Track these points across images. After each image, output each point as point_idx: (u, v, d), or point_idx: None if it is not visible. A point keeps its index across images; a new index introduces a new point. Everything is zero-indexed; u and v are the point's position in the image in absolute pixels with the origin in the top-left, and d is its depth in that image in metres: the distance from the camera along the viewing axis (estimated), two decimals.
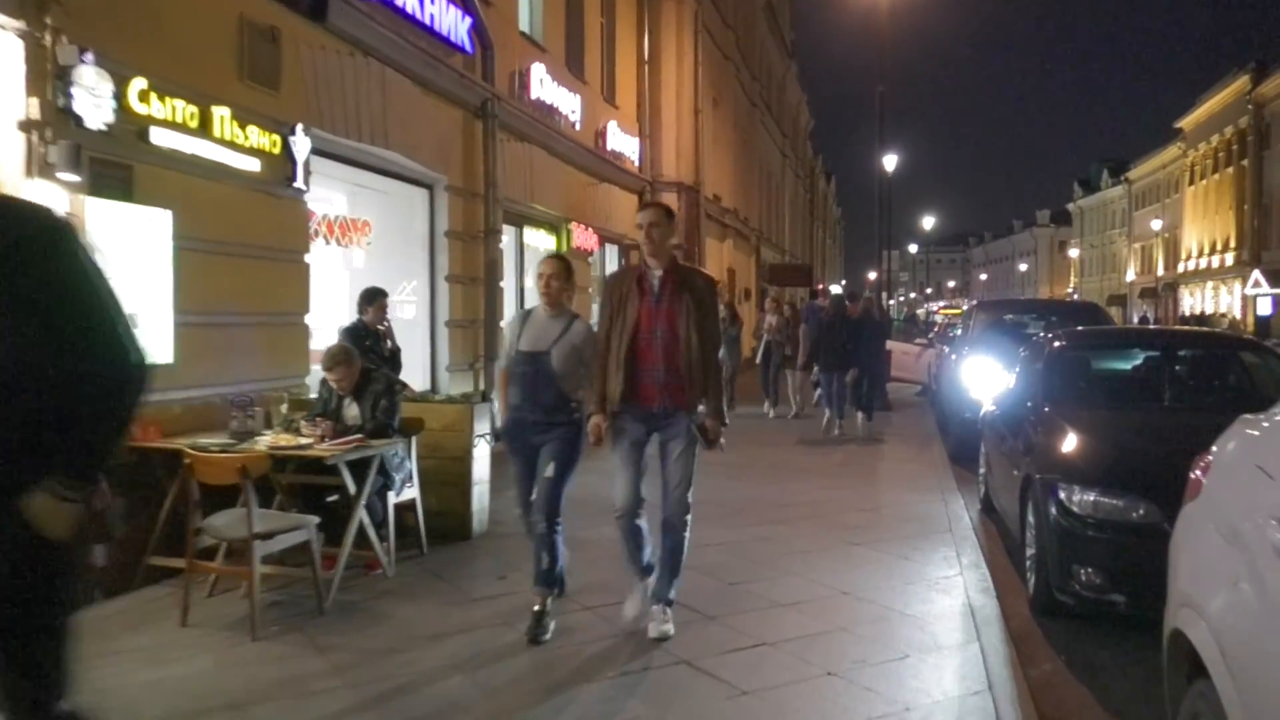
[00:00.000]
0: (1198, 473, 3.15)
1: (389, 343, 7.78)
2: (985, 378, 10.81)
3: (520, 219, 12.44)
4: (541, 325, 5.12)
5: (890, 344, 19.10)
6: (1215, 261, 57.49)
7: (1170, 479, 5.13)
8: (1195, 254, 61.45)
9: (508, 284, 12.49)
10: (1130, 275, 75.05)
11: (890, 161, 32.20)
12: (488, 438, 7.16)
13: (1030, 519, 5.70)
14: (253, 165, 6.79)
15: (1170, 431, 5.68)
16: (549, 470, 4.97)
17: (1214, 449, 3.12)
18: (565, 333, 5.05)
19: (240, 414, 5.95)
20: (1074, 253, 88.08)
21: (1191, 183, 62.19)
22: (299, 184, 7.37)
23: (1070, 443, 5.65)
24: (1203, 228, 60.20)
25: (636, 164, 17.18)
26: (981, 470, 8.72)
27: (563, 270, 5.17)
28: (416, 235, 10.02)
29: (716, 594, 5.81)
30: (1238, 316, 52.45)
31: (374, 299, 7.69)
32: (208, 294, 6.37)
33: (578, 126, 13.73)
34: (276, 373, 7.04)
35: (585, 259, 14.64)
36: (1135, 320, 62.31)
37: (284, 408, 6.29)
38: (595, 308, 15.55)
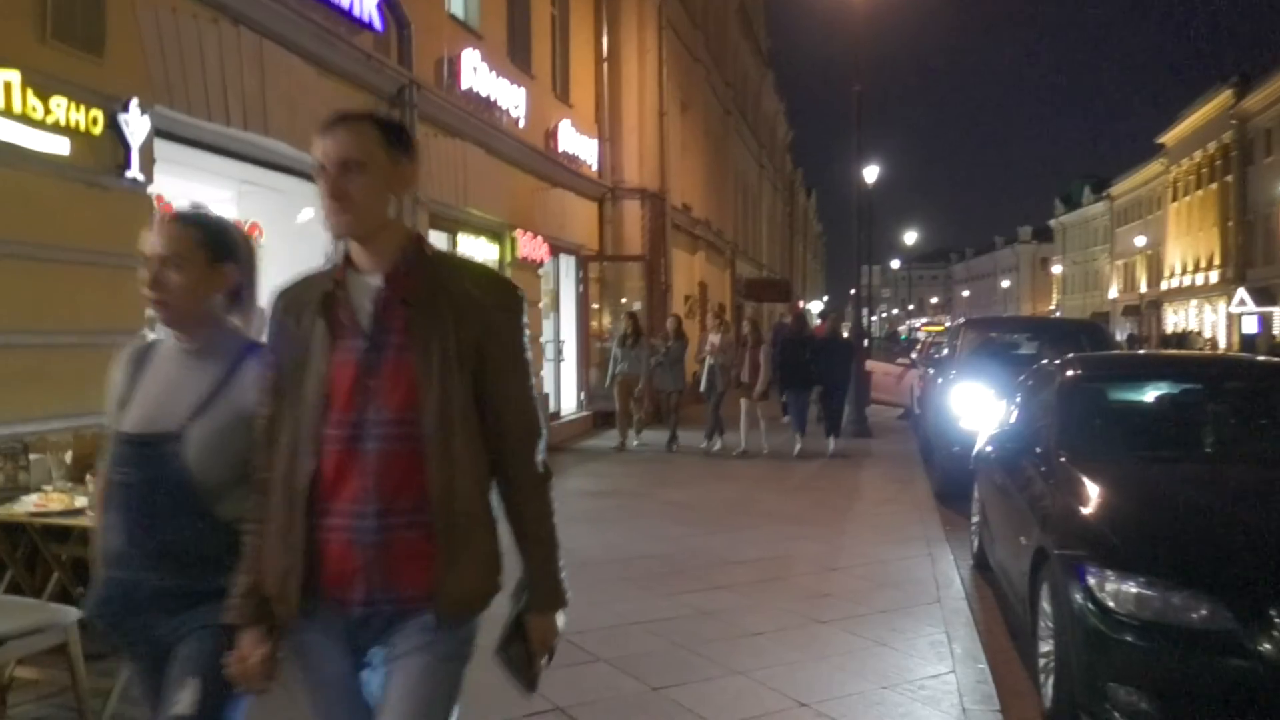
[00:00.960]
0: None
1: None
2: (977, 406, 9.47)
3: (453, 225, 11.05)
4: (166, 377, 2.34)
5: (870, 364, 17.82)
6: (1199, 279, 56.72)
7: (1242, 562, 3.86)
8: (1179, 271, 60.73)
9: None
10: (1113, 293, 74.41)
11: (870, 173, 31.02)
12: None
13: (1045, 606, 4.32)
14: (59, 147, 5.38)
15: (1229, 492, 4.33)
16: (184, 705, 2.15)
17: None
18: (219, 392, 2.29)
19: (7, 464, 4.52)
20: (1056, 269, 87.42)
21: (1174, 199, 61.53)
22: (135, 173, 5.96)
23: (1098, 508, 4.29)
24: (1186, 245, 59.50)
25: (595, 168, 15.83)
26: (974, 518, 7.36)
27: (188, 241, 2.30)
28: (318, 241, 8.59)
29: (634, 703, 4.40)
30: (1218, 336, 51.70)
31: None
32: None
33: (522, 124, 12.36)
34: (85, 408, 5.59)
35: (535, 271, 13.25)
36: (1120, 338, 61.48)
37: (68, 456, 4.83)
38: (549, 325, 14.17)
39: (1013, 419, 6.58)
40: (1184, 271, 59.78)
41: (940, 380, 11.28)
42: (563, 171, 14.35)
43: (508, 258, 12.39)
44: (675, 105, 19.40)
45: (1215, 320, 54.13)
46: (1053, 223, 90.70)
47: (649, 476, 11.11)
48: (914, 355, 20.23)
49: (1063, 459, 4.92)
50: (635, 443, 12.97)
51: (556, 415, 14.01)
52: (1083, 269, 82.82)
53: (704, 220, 22.84)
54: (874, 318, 43.77)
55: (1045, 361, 6.71)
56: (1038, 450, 5.25)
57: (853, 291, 23.56)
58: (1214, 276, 54.05)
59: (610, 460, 12.10)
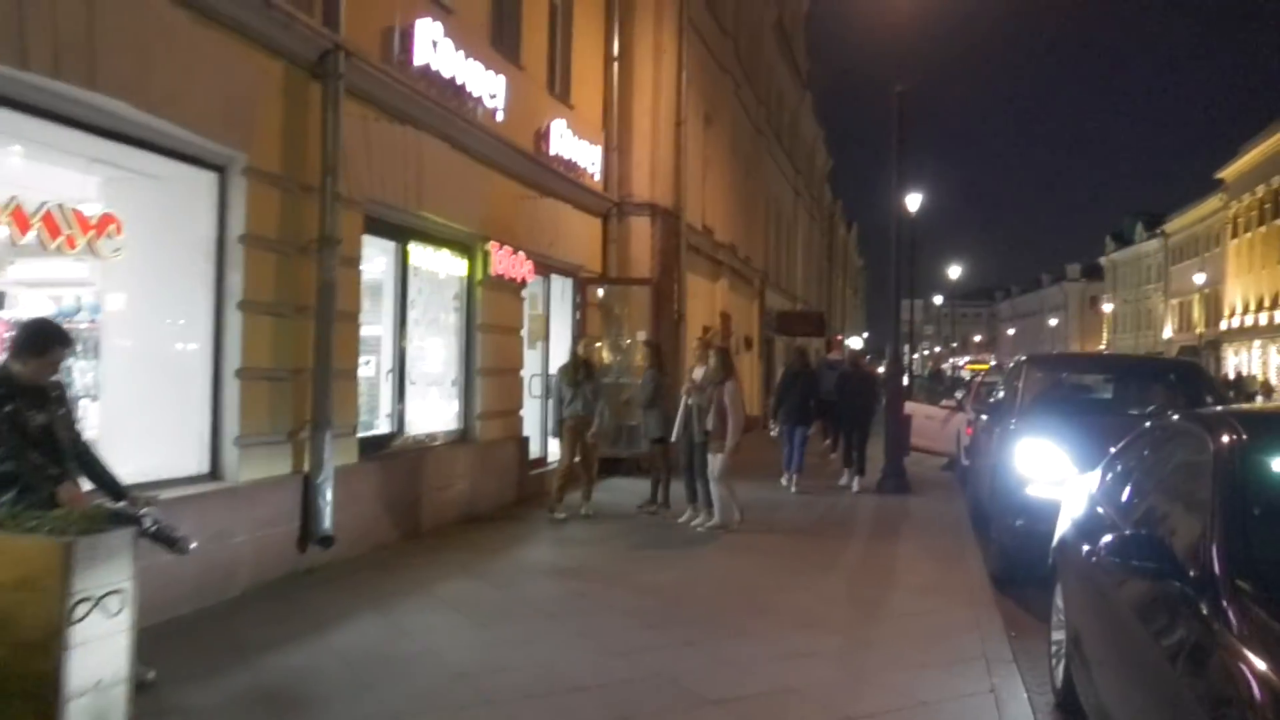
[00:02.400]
0: None
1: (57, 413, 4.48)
2: (1049, 469, 7.33)
3: (401, 232, 9.14)
4: None
5: (910, 407, 15.66)
6: (1263, 319, 53.74)
7: None
8: (1239, 310, 57.76)
9: (379, 316, 9.16)
10: (1168, 332, 71.37)
11: (913, 201, 28.96)
12: (109, 598, 3.76)
13: None
14: None
15: None
16: None
17: None
18: None
19: None
20: (1108, 307, 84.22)
21: (1234, 235, 58.71)
22: None
23: None
24: (1248, 283, 56.58)
25: (598, 179, 13.92)
26: (1055, 634, 5.22)
27: None
28: (196, 240, 6.72)
29: None
30: (1272, 379, 48.56)
31: (45, 347, 4.45)
32: None
33: (500, 117, 10.47)
34: None
35: (515, 292, 11.30)
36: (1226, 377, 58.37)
37: None
38: (535, 357, 12.22)
39: (1121, 497, 4.47)
40: (1245, 310, 56.82)
41: (996, 431, 9.11)
42: (556, 179, 12.44)
43: (478, 275, 10.45)
44: (697, 116, 17.48)
45: None
46: (1103, 260, 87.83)
47: (630, 546, 9.03)
48: (959, 396, 17.96)
49: (1241, 594, 2.83)
50: (583, 510, 10.20)
51: (541, 461, 12.00)
52: (1134, 308, 79.84)
53: (728, 245, 20.83)
54: (914, 355, 41.35)
55: (1172, 416, 4.58)
56: (1189, 571, 3.13)
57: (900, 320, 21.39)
58: (1279, 316, 51.06)
59: (586, 524, 10.02)
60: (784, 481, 12.94)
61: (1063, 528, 5.34)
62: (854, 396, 13.59)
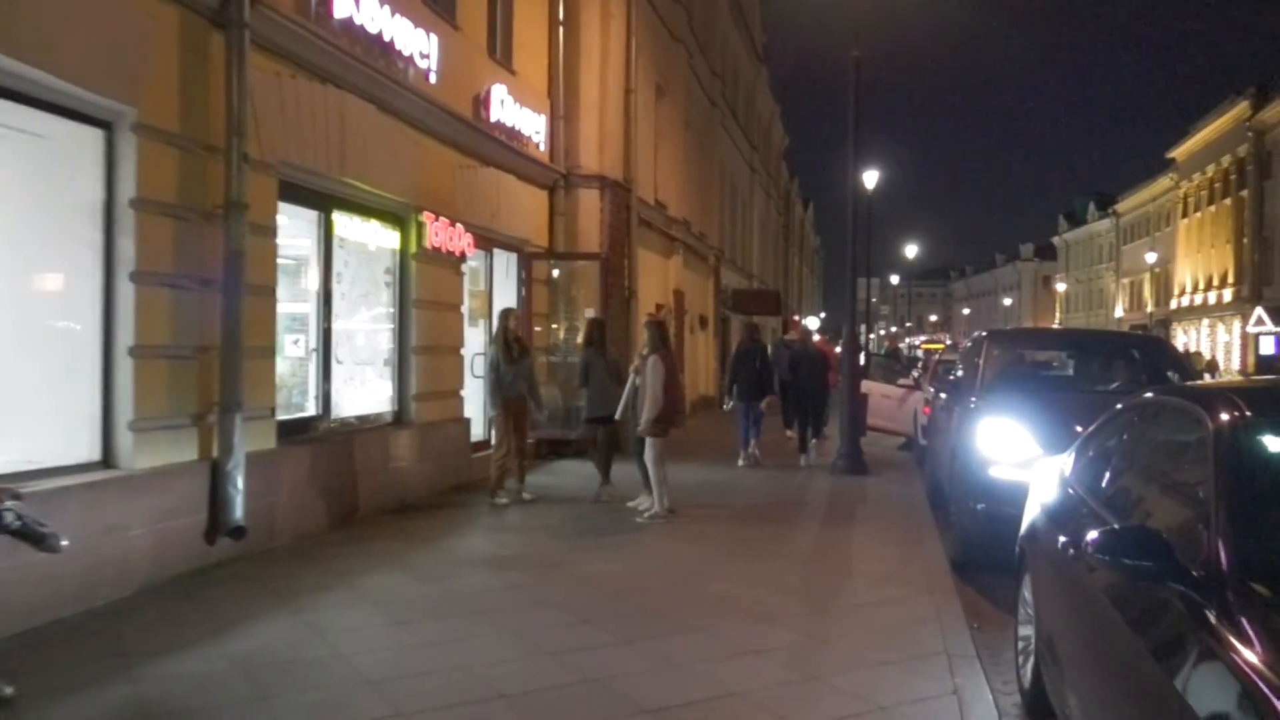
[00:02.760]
0: None
1: None
2: (1012, 450, 6.94)
3: (324, 200, 8.50)
4: None
5: (867, 385, 15.30)
6: (1212, 298, 54.40)
7: None
8: (1189, 289, 58.48)
9: (301, 290, 8.53)
10: (1119, 311, 72.21)
11: (869, 178, 28.61)
12: None
13: None
14: None
15: None
16: None
17: None
18: None
19: None
20: (1060, 287, 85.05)
21: (1185, 215, 59.37)
22: None
23: None
24: (1197, 262, 57.28)
25: (544, 149, 13.30)
26: (1022, 630, 4.81)
27: None
28: (82, 204, 6.05)
29: None
30: (1223, 357, 49.15)
31: None
32: None
33: (434, 79, 9.84)
34: None
35: (453, 267, 10.70)
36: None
37: None
38: (477, 335, 11.64)
39: (1100, 483, 4.03)
40: (1195, 290, 57.53)
41: (956, 410, 8.71)
42: (498, 148, 11.82)
43: (411, 248, 9.84)
44: (648, 86, 16.90)
45: (1229, 340, 51.77)
46: (1056, 240, 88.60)
47: (573, 532, 8.53)
48: (915, 375, 17.63)
49: (1253, 598, 2.38)
50: (524, 495, 9.75)
51: (485, 444, 11.44)
52: (1086, 287, 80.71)
53: (682, 221, 20.31)
54: (871, 334, 41.18)
55: (1156, 392, 4.14)
56: (1191, 572, 2.68)
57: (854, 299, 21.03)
58: (1227, 295, 51.73)
59: (527, 510, 9.51)
60: (740, 461, 13.00)
61: (1031, 514, 4.92)
62: (807, 377, 13.67)
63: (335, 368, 8.72)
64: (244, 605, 5.88)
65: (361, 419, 9.18)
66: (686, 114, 21.20)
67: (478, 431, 11.43)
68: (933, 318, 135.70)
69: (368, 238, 9.26)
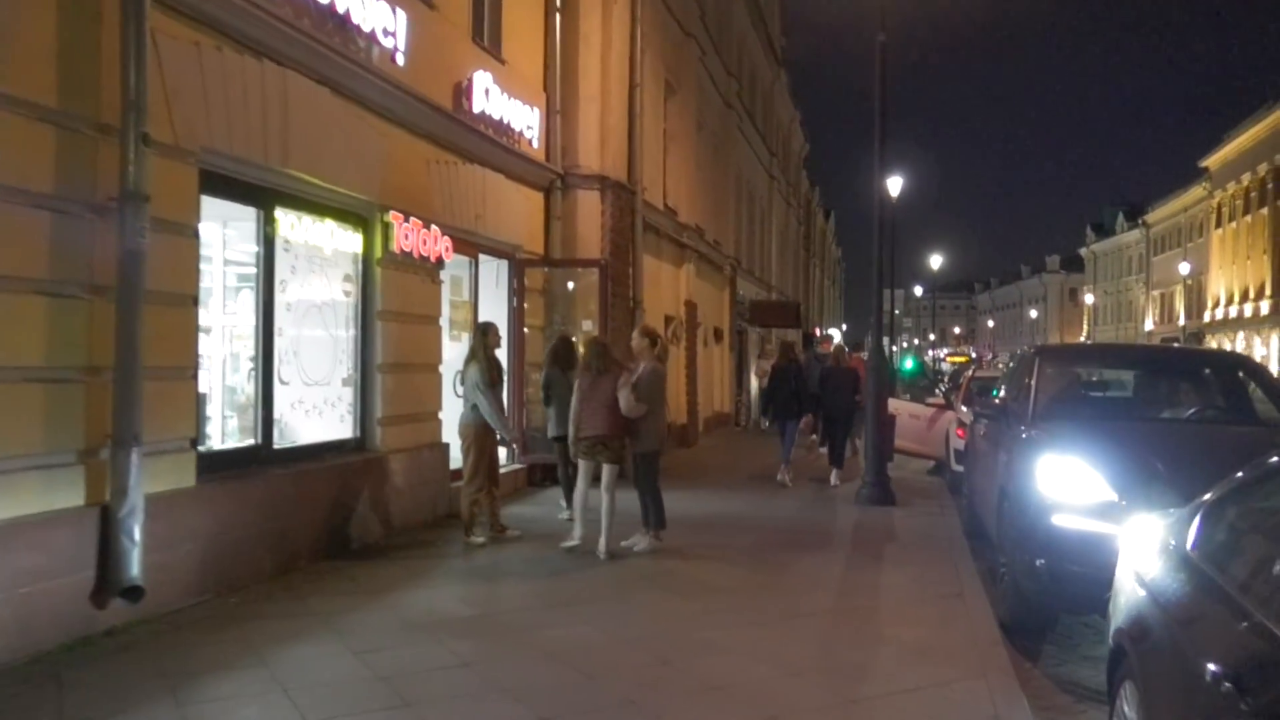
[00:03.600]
0: None
1: None
2: (1085, 495, 5.67)
3: (264, 194, 7.33)
4: None
5: (894, 405, 14.01)
6: (1248, 309, 52.61)
7: None
8: (1223, 301, 56.72)
9: (234, 299, 7.35)
10: (1149, 324, 70.40)
11: (894, 185, 27.37)
12: None
13: None
14: None
15: None
16: None
17: None
18: None
19: None
20: (1089, 299, 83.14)
21: (1219, 225, 57.65)
22: None
23: None
24: (1232, 273, 55.54)
25: (538, 146, 12.12)
26: None
27: None
28: None
29: None
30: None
31: None
32: None
33: (401, 61, 8.68)
34: None
35: (428, 274, 9.51)
36: None
37: None
38: (454, 344, 10.46)
39: (1257, 578, 2.77)
40: (1229, 302, 55.78)
41: (1005, 440, 7.40)
42: (483, 143, 10.65)
43: (376, 252, 8.66)
44: (656, 82, 15.72)
45: (1265, 354, 49.96)
46: (1083, 251, 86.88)
47: (548, 583, 7.28)
48: (940, 392, 16.28)
49: None
50: (513, 531, 8.75)
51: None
52: (1115, 299, 78.97)
53: (694, 227, 19.09)
54: (894, 347, 39.70)
55: None
56: None
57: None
58: (1265, 307, 49.97)
59: (503, 551, 8.29)
60: (779, 476, 12.86)
61: (1132, 597, 3.64)
62: (835, 392, 13.24)
63: (279, 389, 7.53)
64: (116, 692, 4.68)
65: (313, 448, 7.99)
66: (699, 115, 20.00)
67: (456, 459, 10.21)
68: (956, 330, 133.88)
69: (322, 240, 8.09)
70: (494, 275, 11.72)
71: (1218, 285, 57.75)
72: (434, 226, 9.30)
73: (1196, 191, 61.21)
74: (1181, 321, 62.34)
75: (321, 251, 8.14)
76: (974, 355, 73.45)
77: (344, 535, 7.98)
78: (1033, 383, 7.28)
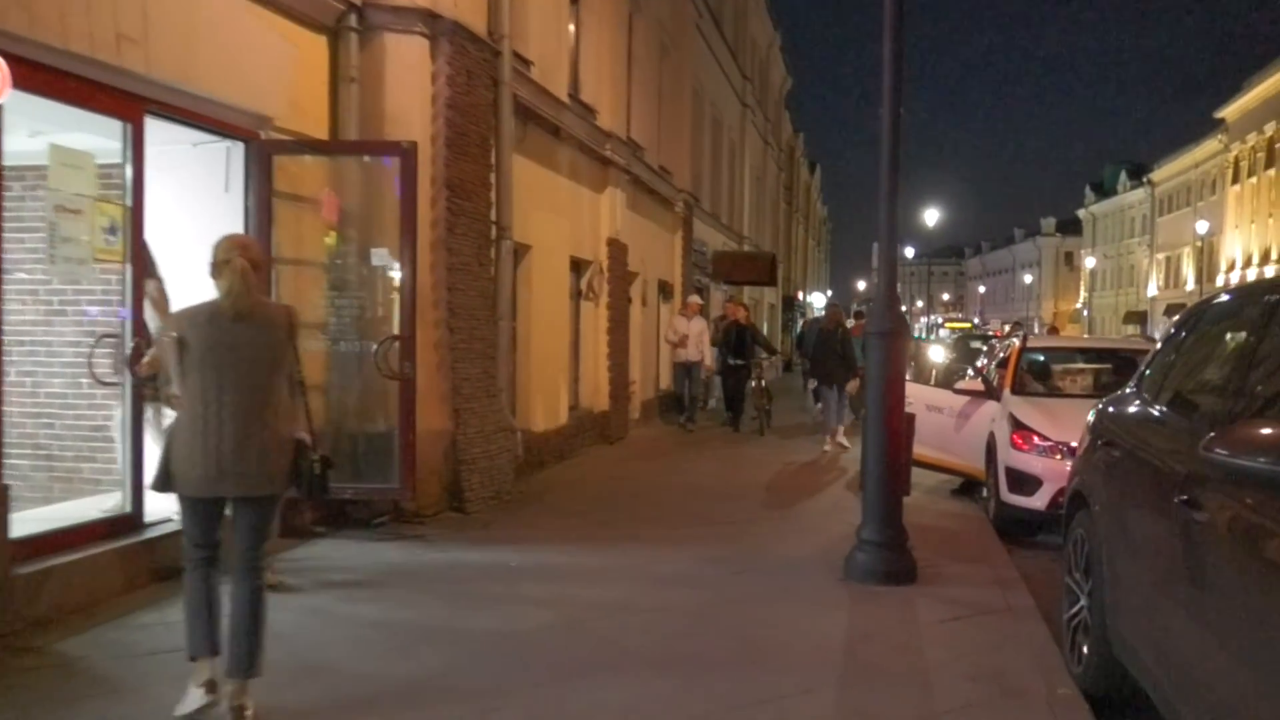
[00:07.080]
0: None
1: None
2: None
3: None
4: None
5: (912, 391, 8.87)
6: (1269, 272, 47.90)
7: None
8: (1240, 264, 52.00)
9: None
10: (1152, 289, 65.77)
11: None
12: None
13: None
14: None
15: None
16: None
17: None
18: None
19: None
20: (1089, 263, 78.32)
21: (1235, 181, 52.87)
22: None
23: None
24: (1250, 233, 50.87)
25: None
26: None
27: None
28: None
29: None
30: None
31: None
32: None
33: None
34: None
35: None
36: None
37: None
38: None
39: None
40: (1247, 264, 51.06)
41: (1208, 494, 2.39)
42: None
43: None
44: None
45: None
46: (1081, 213, 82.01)
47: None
48: (972, 371, 10.99)
49: None
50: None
51: (80, 535, 5.14)
52: (1115, 263, 74.24)
53: (627, 140, 13.91)
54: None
55: None
56: None
57: (862, 286, 14.67)
58: None
59: None
60: (826, 446, 12.55)
61: None
62: (831, 356, 12.73)
63: None
64: None
65: None
66: None
67: (74, 514, 5.17)
68: (945, 296, 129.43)
69: None
70: (210, 164, 6.59)
71: (1233, 246, 53.08)
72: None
73: (1211, 145, 56.35)
74: (1190, 286, 57.60)
75: None
76: (977, 321, 68.48)
77: None
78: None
